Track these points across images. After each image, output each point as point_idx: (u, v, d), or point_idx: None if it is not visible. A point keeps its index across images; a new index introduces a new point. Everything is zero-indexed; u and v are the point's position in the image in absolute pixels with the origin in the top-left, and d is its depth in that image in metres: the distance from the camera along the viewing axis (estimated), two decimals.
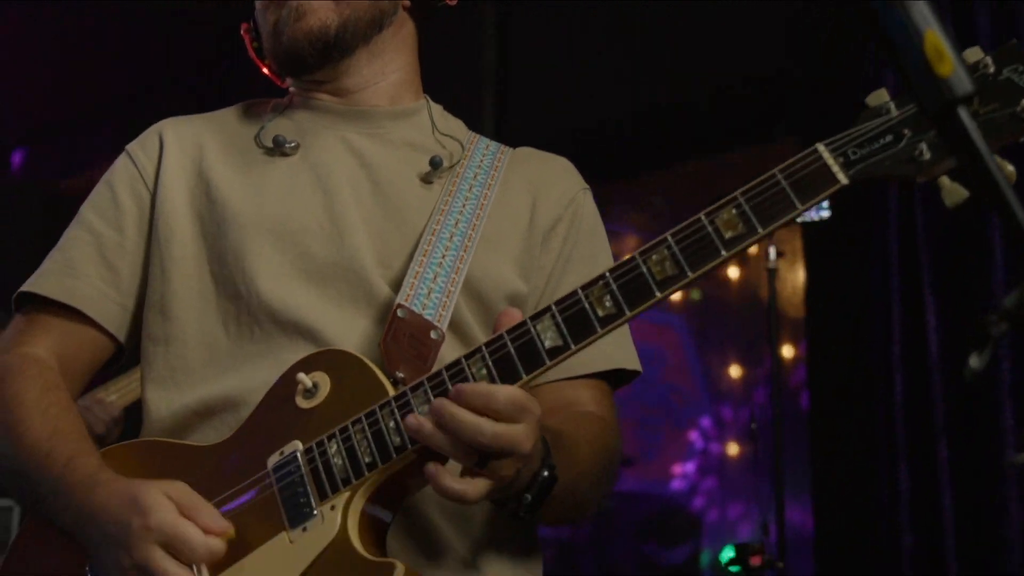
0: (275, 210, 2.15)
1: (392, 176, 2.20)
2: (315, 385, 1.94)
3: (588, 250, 2.27)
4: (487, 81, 5.76)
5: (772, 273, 4.70)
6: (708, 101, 5.42)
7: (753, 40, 5.21)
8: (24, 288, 2.20)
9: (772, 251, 4.69)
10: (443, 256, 2.09)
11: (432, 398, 1.82)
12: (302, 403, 1.94)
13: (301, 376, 1.94)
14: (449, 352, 1.98)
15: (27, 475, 2.00)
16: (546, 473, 1.84)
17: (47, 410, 2.03)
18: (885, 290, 4.50)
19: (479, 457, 1.74)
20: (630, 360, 2.24)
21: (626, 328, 2.21)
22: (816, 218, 4.40)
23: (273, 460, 1.92)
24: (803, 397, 6.27)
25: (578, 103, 5.55)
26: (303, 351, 2.01)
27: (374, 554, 1.82)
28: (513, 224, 2.22)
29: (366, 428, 1.86)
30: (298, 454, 1.90)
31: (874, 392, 4.53)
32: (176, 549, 1.80)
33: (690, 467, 7.54)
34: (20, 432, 2.01)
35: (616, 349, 2.21)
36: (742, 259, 7.29)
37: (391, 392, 1.89)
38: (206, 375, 2.11)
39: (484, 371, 1.81)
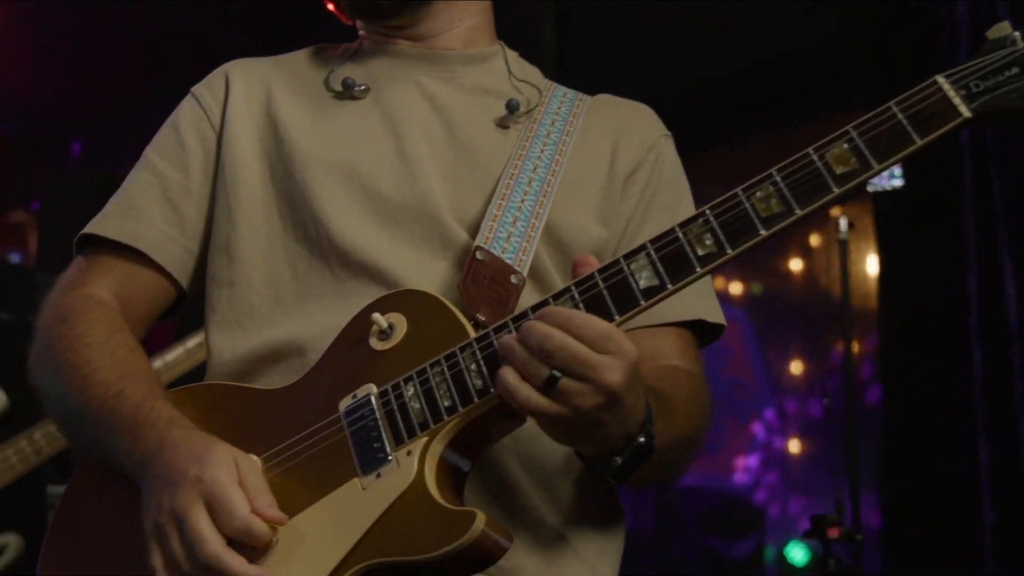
0: (345, 152, 2.08)
1: (465, 121, 2.13)
2: (391, 326, 1.84)
3: (669, 197, 2.19)
4: (547, 60, 5.72)
5: (843, 244, 4.61)
6: (773, 73, 5.33)
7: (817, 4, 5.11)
8: (86, 230, 2.14)
9: (843, 222, 4.60)
10: (522, 201, 2.01)
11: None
12: (377, 345, 1.84)
13: (376, 316, 1.84)
14: (529, 300, 1.87)
15: (91, 416, 1.92)
16: (643, 439, 1.72)
17: (115, 352, 1.96)
18: (961, 259, 4.37)
19: (549, 378, 1.62)
20: (713, 313, 2.13)
21: (710, 284, 2.13)
22: (888, 187, 4.31)
23: (345, 403, 1.82)
24: (870, 393, 6.17)
25: (638, 80, 5.48)
26: (375, 294, 1.92)
27: (452, 503, 1.72)
28: (593, 170, 2.14)
29: (445, 370, 1.76)
30: (372, 397, 1.80)
31: (952, 365, 4.41)
32: (217, 511, 1.69)
33: (753, 461, 7.46)
34: (87, 373, 1.93)
35: (699, 300, 2.11)
36: (805, 252, 7.18)
37: (472, 333, 1.79)
38: (272, 318, 2.03)
39: None
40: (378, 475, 1.74)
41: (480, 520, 1.65)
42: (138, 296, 2.10)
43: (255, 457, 1.81)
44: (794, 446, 7.33)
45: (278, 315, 2.03)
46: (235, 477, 1.73)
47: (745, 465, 7.45)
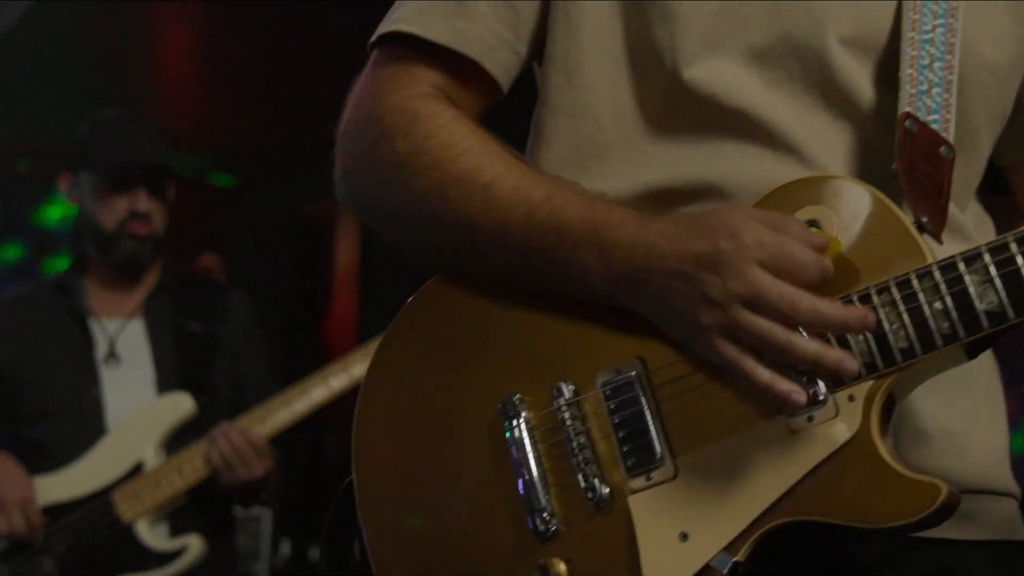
0: None
1: None
2: (817, 225, 1.40)
3: None
4: None
5: None
6: None
7: None
8: (403, 28, 1.63)
9: None
10: (933, 26, 1.50)
11: (995, 275, 1.31)
12: None
13: (810, 211, 1.40)
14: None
15: (511, 235, 1.48)
16: None
17: (503, 156, 1.53)
18: None
19: None
20: None
21: None
22: None
23: None
24: None
25: None
26: (749, 148, 1.51)
27: (900, 465, 1.35)
28: None
29: (899, 303, 1.34)
30: None
31: None
32: (780, 266, 1.32)
33: None
34: (485, 184, 1.49)
35: None
36: None
37: (928, 256, 1.35)
38: (623, 166, 1.56)
39: None
40: (810, 418, 1.36)
41: (943, 494, 1.31)
42: (461, 99, 1.65)
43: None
44: None
45: (630, 163, 1.56)
46: (763, 223, 1.35)
47: None
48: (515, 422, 1.49)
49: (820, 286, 1.35)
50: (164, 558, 3.56)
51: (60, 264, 6.67)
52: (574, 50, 1.60)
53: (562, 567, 1.44)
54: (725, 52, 1.52)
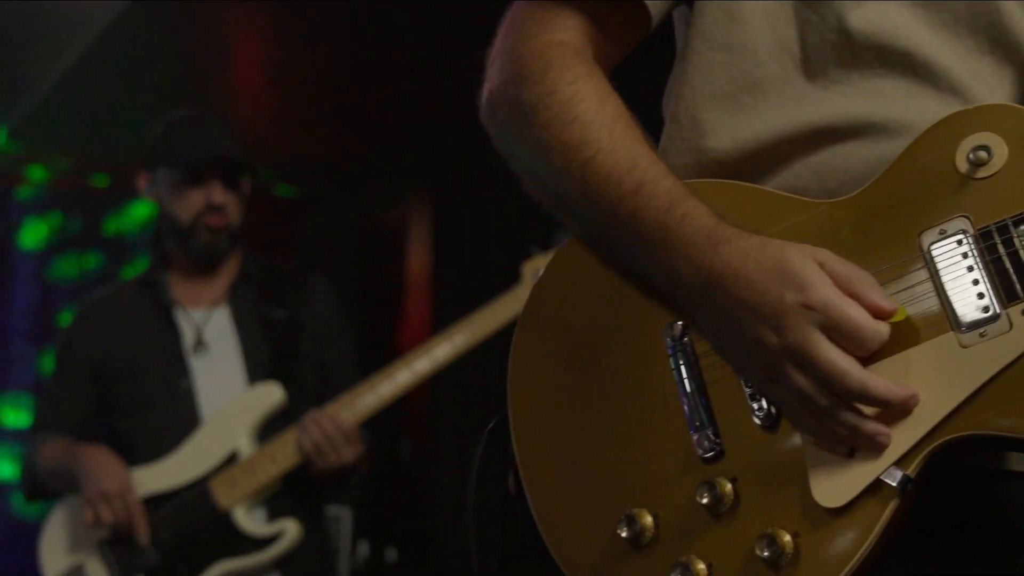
0: None
1: None
2: (986, 149, 1.41)
3: None
4: None
5: None
6: None
7: None
8: None
9: None
10: None
11: None
12: (967, 168, 1.41)
13: (978, 137, 1.41)
14: None
15: (600, 213, 1.52)
16: None
17: (613, 127, 1.52)
18: None
19: None
20: None
21: None
22: None
23: (930, 239, 1.40)
24: None
25: None
26: (911, 88, 1.52)
27: None
28: None
29: None
30: (968, 237, 1.39)
31: None
32: (839, 335, 1.35)
33: None
34: (588, 157, 1.51)
35: None
36: None
37: None
38: (780, 102, 1.56)
39: None
40: (982, 334, 1.36)
41: None
42: (609, 42, 1.64)
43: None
44: None
45: (789, 98, 1.56)
46: (836, 287, 1.36)
47: None
48: (679, 346, 1.51)
49: (997, 203, 1.37)
50: (262, 543, 3.57)
51: (138, 270, 6.75)
52: None
53: (728, 487, 1.45)
54: None
